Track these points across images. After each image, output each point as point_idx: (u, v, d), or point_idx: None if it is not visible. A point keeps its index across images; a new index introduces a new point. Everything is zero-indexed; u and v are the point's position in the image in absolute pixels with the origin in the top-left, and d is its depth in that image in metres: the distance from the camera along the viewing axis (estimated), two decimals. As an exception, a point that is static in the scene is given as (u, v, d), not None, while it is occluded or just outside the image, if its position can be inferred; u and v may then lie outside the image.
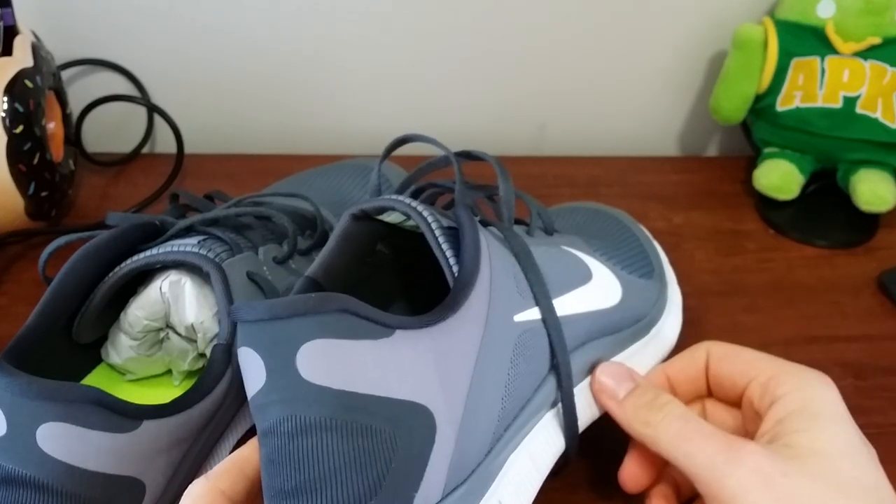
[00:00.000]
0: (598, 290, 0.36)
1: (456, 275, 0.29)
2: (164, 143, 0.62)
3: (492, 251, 0.30)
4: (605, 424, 0.34)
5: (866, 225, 0.55)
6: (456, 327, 0.28)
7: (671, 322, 0.40)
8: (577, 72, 0.62)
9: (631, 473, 0.33)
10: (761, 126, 0.57)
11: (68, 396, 0.27)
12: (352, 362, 0.25)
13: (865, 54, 0.53)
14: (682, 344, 0.38)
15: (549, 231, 0.38)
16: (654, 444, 0.31)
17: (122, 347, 0.36)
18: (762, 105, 0.56)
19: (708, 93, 0.61)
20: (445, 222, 0.31)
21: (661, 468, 0.34)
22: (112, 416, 0.28)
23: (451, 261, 0.30)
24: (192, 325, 0.35)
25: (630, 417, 0.32)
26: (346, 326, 0.25)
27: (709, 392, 0.34)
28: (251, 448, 0.28)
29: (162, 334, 0.36)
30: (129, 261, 0.35)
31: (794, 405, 0.29)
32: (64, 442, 0.27)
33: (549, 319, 0.32)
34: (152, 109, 0.59)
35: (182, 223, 0.37)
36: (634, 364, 0.36)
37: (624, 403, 0.32)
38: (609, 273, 0.37)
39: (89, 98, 0.57)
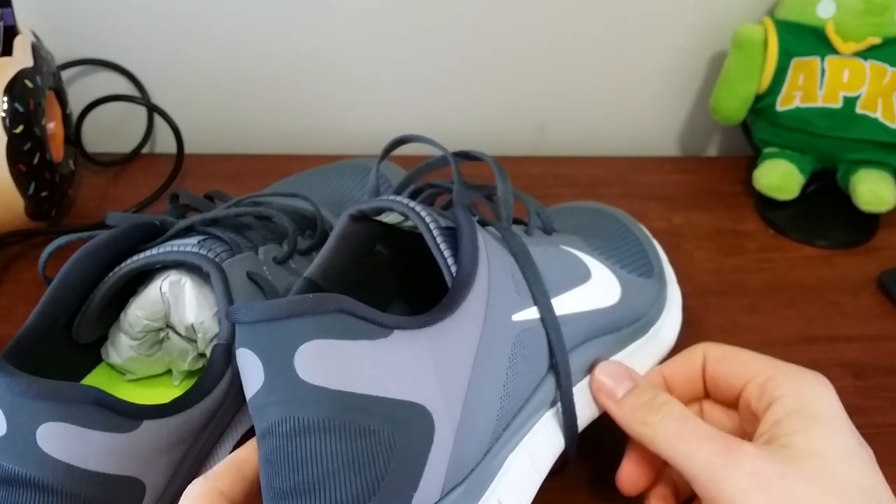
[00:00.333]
0: (596, 290, 0.36)
1: (454, 275, 0.29)
2: (164, 143, 0.62)
3: (490, 251, 0.30)
4: (605, 424, 0.34)
5: (866, 225, 0.55)
6: (454, 327, 0.28)
7: (670, 321, 0.40)
8: (577, 72, 0.62)
9: (629, 476, 0.33)
10: (761, 126, 0.57)
11: (68, 396, 0.27)
12: (350, 363, 0.25)
13: (865, 54, 0.53)
14: (681, 344, 0.38)
15: (547, 230, 0.38)
16: (651, 445, 0.31)
17: (122, 347, 0.36)
18: (762, 105, 0.56)
19: (708, 93, 0.61)
20: (444, 222, 0.31)
21: (660, 469, 0.34)
22: (112, 416, 0.28)
23: (450, 261, 0.30)
24: (192, 325, 0.35)
25: (628, 417, 0.32)
26: (344, 327, 0.25)
27: (706, 394, 0.34)
28: (250, 448, 0.28)
29: (162, 334, 0.36)
30: (129, 261, 0.35)
31: (791, 406, 0.29)
32: (64, 442, 0.27)
33: (548, 319, 0.32)
34: (152, 109, 0.59)
35: (182, 223, 0.37)
36: (633, 363, 0.36)
37: (622, 403, 0.32)
38: (608, 272, 0.37)
39: (89, 98, 0.57)
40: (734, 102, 0.56)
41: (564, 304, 0.33)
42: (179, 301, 0.35)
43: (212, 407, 0.33)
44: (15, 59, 0.48)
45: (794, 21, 0.54)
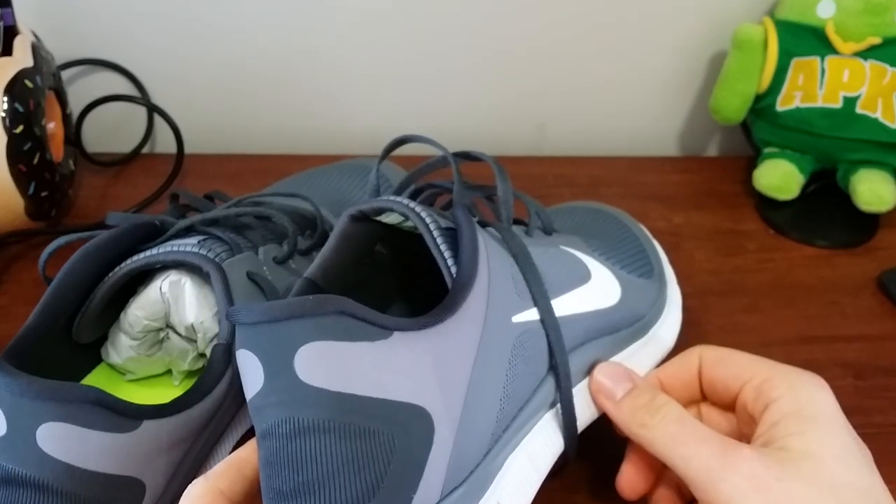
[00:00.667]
0: (596, 290, 0.36)
1: (454, 276, 0.29)
2: (164, 143, 0.62)
3: (490, 252, 0.30)
4: (605, 425, 0.34)
5: (866, 225, 0.55)
6: (454, 329, 0.28)
7: (670, 322, 0.40)
8: (577, 72, 0.62)
9: (629, 480, 0.33)
10: (761, 126, 0.57)
11: (68, 396, 0.27)
12: (349, 364, 0.25)
13: (865, 54, 0.53)
14: (681, 344, 0.38)
15: (547, 231, 0.38)
16: (649, 446, 0.31)
17: (122, 347, 0.36)
18: (762, 105, 0.56)
19: (708, 93, 0.61)
20: (444, 223, 0.31)
21: (660, 472, 0.34)
22: (112, 416, 0.28)
23: (450, 262, 0.30)
24: (192, 325, 0.35)
25: (626, 418, 0.32)
26: (344, 328, 0.25)
27: (703, 396, 0.34)
28: (250, 448, 0.28)
29: (162, 334, 0.36)
30: (129, 261, 0.35)
31: (787, 408, 0.29)
32: (64, 442, 0.27)
33: (548, 320, 0.32)
34: (152, 109, 0.59)
35: (182, 223, 0.37)
36: (633, 364, 0.36)
37: (621, 404, 0.32)
38: (608, 273, 0.37)
39: (89, 98, 0.57)
40: (734, 102, 0.56)
41: (564, 305, 0.33)
42: (179, 301, 0.35)
43: (212, 407, 0.33)
44: (15, 59, 0.48)
45: (794, 21, 0.54)
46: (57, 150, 0.53)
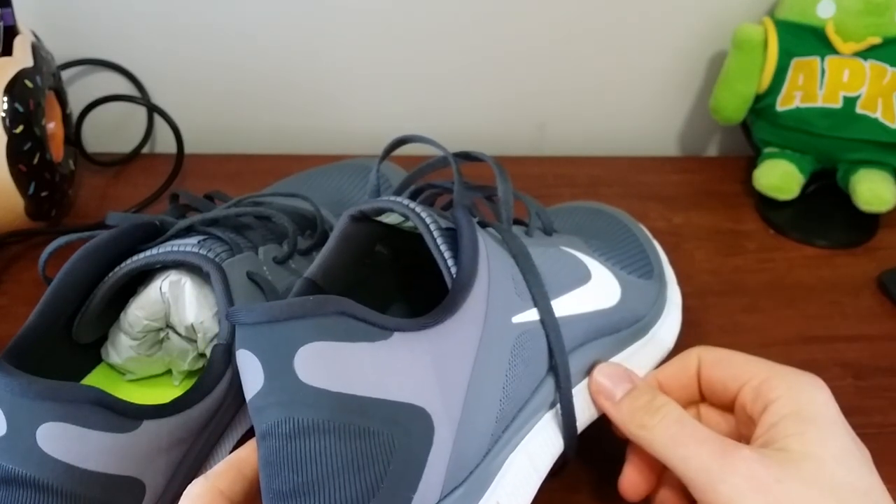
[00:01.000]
0: (596, 291, 0.36)
1: (454, 276, 0.29)
2: (164, 143, 0.62)
3: (490, 252, 0.30)
4: (605, 425, 0.34)
5: (866, 225, 0.55)
6: (454, 329, 0.28)
7: (670, 322, 0.40)
8: (577, 72, 0.62)
9: (631, 481, 0.33)
10: (761, 126, 0.57)
11: (68, 396, 0.27)
12: (349, 365, 0.25)
13: (865, 54, 0.53)
14: (681, 344, 0.38)
15: (548, 231, 0.38)
16: (649, 447, 0.31)
17: (122, 347, 0.36)
18: (762, 105, 0.56)
19: (708, 93, 0.61)
20: (444, 223, 0.31)
21: (661, 472, 0.34)
22: (112, 416, 0.28)
23: (450, 262, 0.30)
24: (192, 325, 0.35)
25: (626, 419, 0.32)
26: (344, 329, 0.25)
27: (702, 397, 0.34)
28: (250, 448, 0.28)
29: (162, 334, 0.36)
30: (129, 261, 0.35)
31: (786, 409, 0.29)
32: (64, 442, 0.27)
33: (548, 320, 0.32)
34: (152, 109, 0.59)
35: (182, 223, 0.37)
36: (633, 364, 0.36)
37: (620, 405, 0.32)
38: (608, 273, 0.37)
39: (89, 98, 0.57)
40: (734, 102, 0.56)
41: (564, 306, 0.33)
42: (179, 301, 0.35)
43: (212, 407, 0.33)
44: (15, 59, 0.48)
45: (794, 21, 0.54)
46: (57, 150, 0.53)
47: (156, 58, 0.60)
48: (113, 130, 0.61)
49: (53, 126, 0.53)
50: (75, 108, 0.57)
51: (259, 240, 0.38)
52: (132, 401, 0.29)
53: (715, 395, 0.33)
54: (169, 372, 0.38)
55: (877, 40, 0.52)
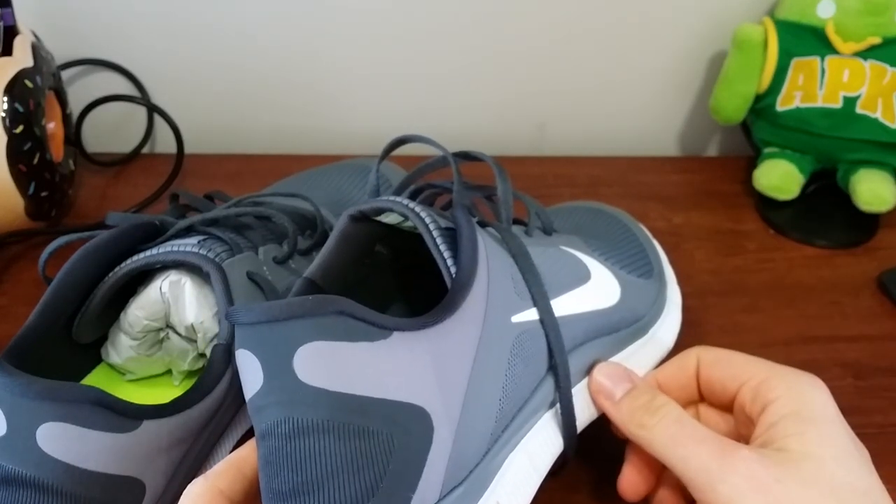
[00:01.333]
0: (596, 290, 0.36)
1: (454, 276, 0.29)
2: (164, 143, 0.62)
3: (489, 252, 0.30)
4: (604, 425, 0.34)
5: (866, 225, 0.55)
6: (453, 329, 0.28)
7: (670, 322, 0.40)
8: (577, 72, 0.62)
9: (630, 481, 0.33)
10: (761, 126, 0.57)
11: (68, 396, 0.27)
12: (349, 364, 0.25)
13: (865, 54, 0.53)
14: (681, 344, 0.38)
15: (547, 231, 0.38)
16: (648, 447, 0.31)
17: (122, 347, 0.36)
18: (762, 105, 0.56)
19: (708, 93, 0.61)
20: (443, 223, 0.31)
21: (661, 472, 0.34)
22: (112, 416, 0.28)
23: (449, 262, 0.30)
24: (192, 325, 0.35)
25: (625, 419, 0.32)
26: (343, 329, 0.25)
27: (701, 397, 0.34)
28: (250, 448, 0.28)
29: (162, 334, 0.36)
30: (129, 261, 0.35)
31: (785, 409, 0.29)
32: (64, 442, 0.27)
33: (547, 320, 0.32)
34: (152, 109, 0.59)
35: (182, 223, 0.37)
36: (633, 364, 0.36)
37: (620, 404, 0.32)
38: (608, 273, 0.37)
39: (89, 98, 0.57)
40: (734, 102, 0.56)
41: (564, 305, 0.33)
42: (179, 301, 0.35)
43: (212, 407, 0.33)
44: (15, 59, 0.48)
45: (794, 21, 0.54)
46: (57, 150, 0.53)
47: (156, 58, 0.60)
48: (113, 130, 0.61)
49: (53, 126, 0.53)
50: (75, 108, 0.57)
51: (259, 240, 0.38)
52: (132, 401, 0.29)
53: (714, 395, 0.33)
54: (169, 372, 0.38)
55: (877, 40, 0.52)
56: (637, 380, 0.34)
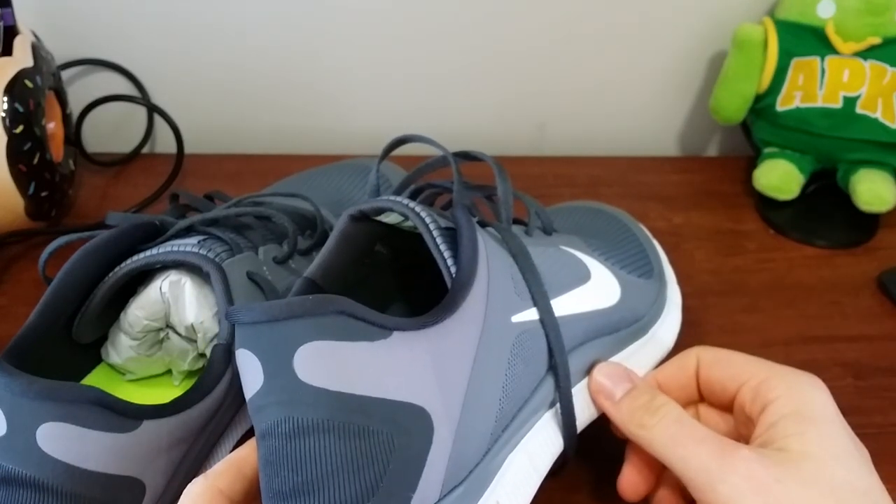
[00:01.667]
0: (596, 290, 0.36)
1: (454, 276, 0.29)
2: (164, 143, 0.62)
3: (490, 252, 0.30)
4: (604, 425, 0.34)
5: (866, 225, 0.55)
6: (453, 328, 0.28)
7: (670, 322, 0.40)
8: (577, 72, 0.62)
9: (630, 481, 0.33)
10: (761, 126, 0.57)
11: (68, 396, 0.27)
12: (349, 364, 0.25)
13: (865, 54, 0.53)
14: (681, 344, 0.38)
15: (547, 231, 0.38)
16: (648, 447, 0.31)
17: (122, 347, 0.36)
18: (762, 105, 0.56)
19: (708, 93, 0.61)
20: (443, 223, 0.31)
21: (661, 473, 0.34)
22: (112, 416, 0.28)
23: (449, 262, 0.30)
24: (192, 325, 0.35)
25: (625, 419, 0.32)
26: (344, 328, 0.25)
27: (700, 397, 0.34)
28: (250, 448, 0.28)
29: (162, 334, 0.36)
30: (129, 261, 0.35)
31: (785, 409, 0.29)
32: (64, 442, 0.27)
33: (547, 320, 0.32)
34: (152, 109, 0.60)
35: (182, 223, 0.37)
36: (633, 364, 0.36)
37: (620, 404, 0.32)
38: (608, 273, 0.37)
39: (89, 98, 0.57)
40: (734, 102, 0.56)
41: (564, 305, 0.33)
42: (179, 301, 0.35)
43: (212, 407, 0.33)
44: (15, 59, 0.48)
45: (794, 21, 0.54)
46: (57, 150, 0.53)
47: (156, 58, 0.60)
48: (113, 130, 0.61)
49: (53, 126, 0.53)
50: (75, 108, 0.57)
51: (259, 240, 0.38)
52: (132, 401, 0.29)
53: (714, 396, 0.33)
54: (169, 372, 0.38)
55: (877, 40, 0.52)
56: (637, 380, 0.34)
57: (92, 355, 0.37)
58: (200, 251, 0.34)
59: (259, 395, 0.26)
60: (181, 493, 0.27)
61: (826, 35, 0.53)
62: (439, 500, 0.27)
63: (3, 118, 0.46)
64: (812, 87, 0.53)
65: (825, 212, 0.56)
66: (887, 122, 0.52)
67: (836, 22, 0.53)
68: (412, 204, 0.31)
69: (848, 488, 0.27)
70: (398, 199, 0.31)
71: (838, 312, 0.48)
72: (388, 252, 0.37)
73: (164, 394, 0.38)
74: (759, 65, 0.54)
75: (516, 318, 0.31)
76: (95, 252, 0.34)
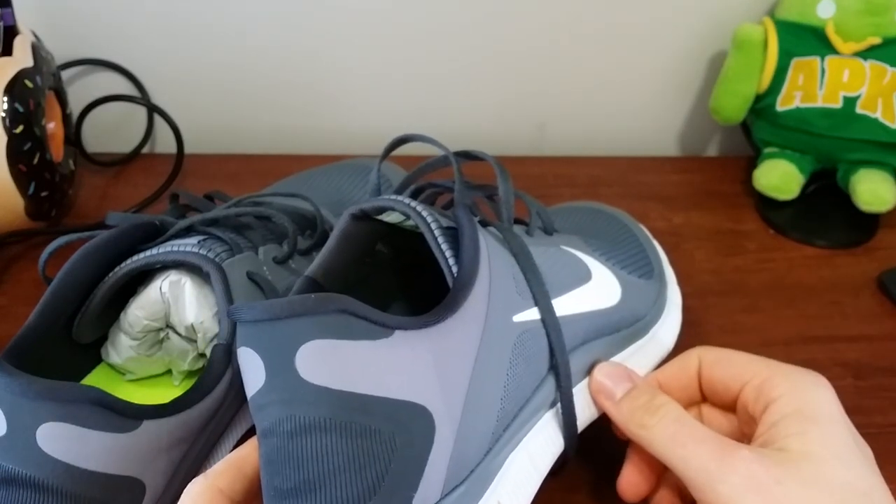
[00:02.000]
0: (597, 290, 0.36)
1: (455, 275, 0.29)
2: (164, 143, 0.62)
3: (491, 251, 0.30)
4: (605, 424, 0.34)
5: (866, 225, 0.55)
6: (455, 328, 0.28)
7: (670, 322, 0.40)
8: (577, 72, 0.62)
9: (630, 481, 0.33)
10: (761, 126, 0.57)
11: (68, 396, 0.27)
12: (351, 363, 0.25)
13: (865, 54, 0.53)
14: (681, 344, 0.38)
15: (548, 231, 0.38)
16: (649, 447, 0.30)
17: (122, 347, 0.36)
18: (762, 105, 0.56)
19: (708, 93, 0.61)
20: (445, 222, 0.31)
21: (661, 473, 0.33)
22: (112, 416, 0.28)
23: (451, 261, 0.30)
24: (192, 325, 0.35)
25: (626, 419, 0.32)
26: (345, 327, 0.25)
27: (703, 398, 0.34)
28: (250, 447, 0.28)
29: (162, 334, 0.36)
30: (129, 261, 0.35)
31: (788, 408, 0.29)
32: (64, 442, 0.27)
33: (549, 320, 0.32)
34: (152, 109, 0.59)
35: (182, 223, 0.37)
36: (633, 364, 0.36)
37: (620, 404, 0.32)
38: (608, 273, 0.37)
39: (89, 98, 0.57)
40: (734, 102, 0.56)
41: (565, 305, 0.33)
42: (179, 301, 0.35)
43: (212, 407, 0.33)
44: (15, 59, 0.48)
45: (794, 21, 0.54)
46: (57, 150, 0.52)
47: (156, 58, 0.60)
48: (113, 130, 0.61)
49: (53, 126, 0.53)
50: (75, 108, 0.57)
51: (259, 240, 0.38)
52: (132, 401, 0.29)
53: (716, 396, 0.33)
54: (169, 372, 0.38)
55: (877, 40, 0.52)
56: (637, 379, 0.34)
57: (92, 355, 0.37)
58: (200, 251, 0.34)
59: (260, 394, 0.26)
60: (181, 493, 0.27)
61: (826, 35, 0.53)
62: (441, 500, 0.27)
63: (3, 118, 0.46)
64: (812, 87, 0.53)
65: (825, 212, 0.56)
66: (887, 122, 0.53)
67: (836, 22, 0.53)
68: (413, 203, 0.31)
69: (849, 488, 0.27)
70: (400, 198, 0.31)
71: (838, 312, 0.48)
72: (390, 251, 0.37)
73: (164, 394, 0.37)
74: (758, 65, 0.54)
75: (518, 318, 0.31)
76: (95, 252, 0.34)
